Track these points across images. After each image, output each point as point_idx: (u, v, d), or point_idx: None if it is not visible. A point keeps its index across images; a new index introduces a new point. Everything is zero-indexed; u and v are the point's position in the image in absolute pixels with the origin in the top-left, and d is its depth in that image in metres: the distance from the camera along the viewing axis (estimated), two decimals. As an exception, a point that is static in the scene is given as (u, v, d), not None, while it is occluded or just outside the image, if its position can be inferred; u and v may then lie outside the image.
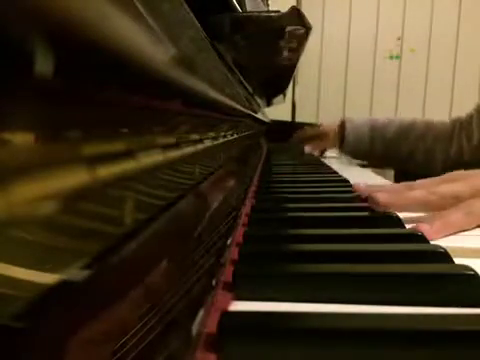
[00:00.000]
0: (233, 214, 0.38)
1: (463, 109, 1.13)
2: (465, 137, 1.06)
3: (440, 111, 1.15)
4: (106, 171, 0.15)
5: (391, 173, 1.30)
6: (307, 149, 1.30)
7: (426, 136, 1.12)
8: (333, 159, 1.18)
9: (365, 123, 1.18)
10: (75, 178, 0.13)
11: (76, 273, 0.12)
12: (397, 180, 0.98)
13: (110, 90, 0.15)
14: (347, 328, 0.20)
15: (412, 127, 1.14)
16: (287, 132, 1.48)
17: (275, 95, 1.07)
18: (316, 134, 1.29)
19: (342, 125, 1.21)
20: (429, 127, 1.12)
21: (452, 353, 0.19)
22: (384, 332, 0.20)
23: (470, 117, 1.07)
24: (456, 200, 0.41)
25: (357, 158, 1.19)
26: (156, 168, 0.22)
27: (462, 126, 1.08)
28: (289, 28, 0.40)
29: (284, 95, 1.15)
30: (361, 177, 0.78)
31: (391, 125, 1.16)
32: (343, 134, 1.20)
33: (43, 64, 0.10)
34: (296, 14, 0.40)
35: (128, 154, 0.17)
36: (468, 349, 0.19)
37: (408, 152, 1.14)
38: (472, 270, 0.25)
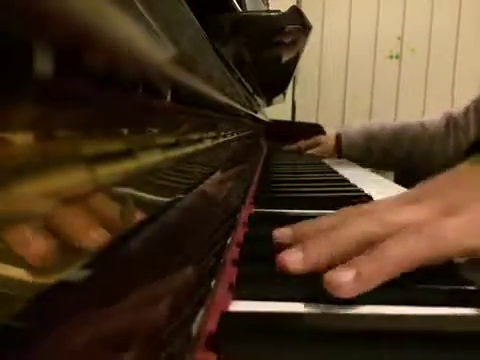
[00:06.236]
0: (233, 214, 0.38)
1: (463, 109, 1.12)
2: (462, 132, 1.05)
3: (440, 111, 1.15)
4: (106, 171, 0.15)
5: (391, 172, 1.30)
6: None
7: (421, 138, 1.11)
8: (333, 159, 1.19)
9: (359, 133, 1.19)
10: (75, 178, 0.13)
11: (76, 273, 0.12)
12: (397, 180, 0.98)
13: (109, 89, 0.15)
14: (347, 328, 0.20)
15: (405, 131, 1.14)
16: (288, 132, 1.49)
17: (275, 95, 1.07)
18: (313, 144, 1.31)
19: (338, 137, 1.23)
20: (423, 128, 1.12)
21: (452, 353, 0.19)
22: (384, 333, 0.20)
23: (466, 110, 1.05)
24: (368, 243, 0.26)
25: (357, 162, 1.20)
26: (156, 168, 0.22)
27: (457, 122, 1.07)
28: (289, 28, 0.39)
29: (284, 95, 1.15)
30: (361, 176, 0.78)
31: (385, 131, 1.16)
32: (340, 147, 1.22)
33: (42, 63, 0.10)
34: (296, 13, 0.40)
35: (128, 154, 0.17)
36: (467, 349, 0.19)
37: (405, 156, 1.14)
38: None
